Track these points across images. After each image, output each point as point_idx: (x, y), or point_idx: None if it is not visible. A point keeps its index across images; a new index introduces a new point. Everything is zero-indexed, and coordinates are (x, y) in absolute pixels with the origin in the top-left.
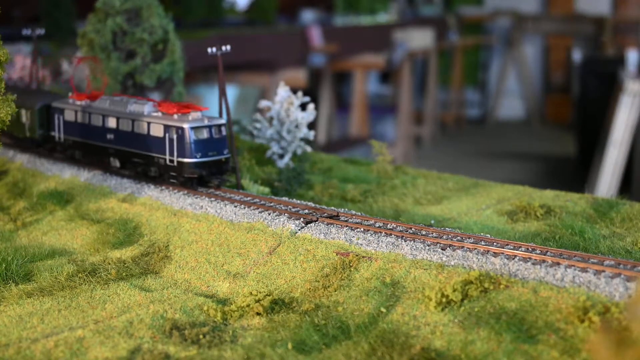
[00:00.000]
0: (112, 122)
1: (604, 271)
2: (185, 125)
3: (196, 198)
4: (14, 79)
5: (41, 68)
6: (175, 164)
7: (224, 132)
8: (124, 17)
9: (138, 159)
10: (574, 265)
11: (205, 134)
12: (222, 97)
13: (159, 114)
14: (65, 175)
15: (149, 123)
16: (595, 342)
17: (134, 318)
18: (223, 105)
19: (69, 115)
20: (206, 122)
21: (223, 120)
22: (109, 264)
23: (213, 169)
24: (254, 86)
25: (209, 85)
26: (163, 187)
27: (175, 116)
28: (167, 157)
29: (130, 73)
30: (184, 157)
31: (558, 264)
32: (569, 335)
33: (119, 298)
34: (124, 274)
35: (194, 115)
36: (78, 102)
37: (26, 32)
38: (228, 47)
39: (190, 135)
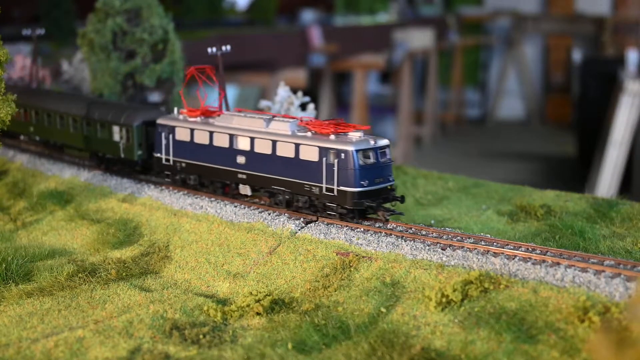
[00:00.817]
0: (243, 143)
1: (604, 271)
2: (350, 148)
3: (196, 198)
4: (13, 79)
5: (41, 68)
6: (334, 193)
7: (389, 155)
8: (124, 17)
9: (280, 187)
10: (574, 265)
11: (371, 158)
12: (222, 97)
13: (309, 133)
14: (65, 175)
15: (297, 144)
16: (595, 342)
17: (134, 318)
18: (223, 105)
19: (182, 134)
20: (372, 144)
21: (387, 141)
22: (109, 264)
23: (379, 198)
24: (254, 86)
25: (209, 86)
26: (163, 187)
27: (333, 136)
28: (324, 185)
29: (130, 73)
30: (348, 185)
31: (558, 264)
32: (569, 335)
33: (119, 298)
34: (124, 274)
35: (355, 135)
36: (191, 119)
37: (26, 32)
38: (228, 47)
39: (355, 160)
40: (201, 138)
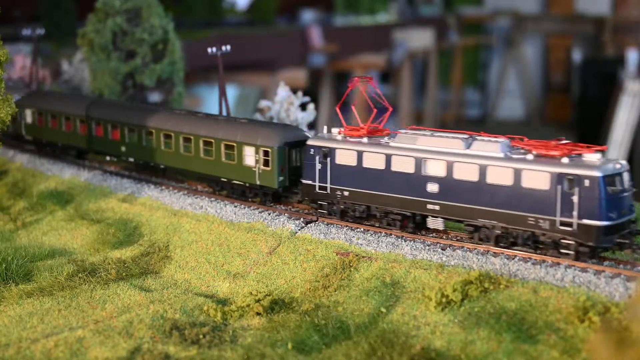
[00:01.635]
0: (436, 168)
1: (604, 271)
2: (596, 174)
3: (196, 198)
4: (14, 79)
5: (41, 68)
6: (573, 228)
7: (630, 180)
8: (124, 17)
9: (489, 220)
10: (574, 265)
11: (618, 185)
12: (222, 97)
13: (530, 155)
14: (65, 175)
15: (517, 170)
16: (595, 342)
17: (134, 318)
18: (223, 105)
19: (344, 157)
20: (617, 168)
21: (626, 164)
22: (109, 264)
23: (623, 233)
24: (254, 86)
25: (209, 85)
26: (163, 187)
27: (566, 159)
28: (558, 218)
29: (130, 73)
30: (593, 218)
31: (558, 264)
32: (569, 335)
33: (119, 298)
34: (124, 274)
35: (593, 157)
36: (355, 139)
37: (26, 32)
38: (228, 47)
39: (602, 188)
40: (373, 162)
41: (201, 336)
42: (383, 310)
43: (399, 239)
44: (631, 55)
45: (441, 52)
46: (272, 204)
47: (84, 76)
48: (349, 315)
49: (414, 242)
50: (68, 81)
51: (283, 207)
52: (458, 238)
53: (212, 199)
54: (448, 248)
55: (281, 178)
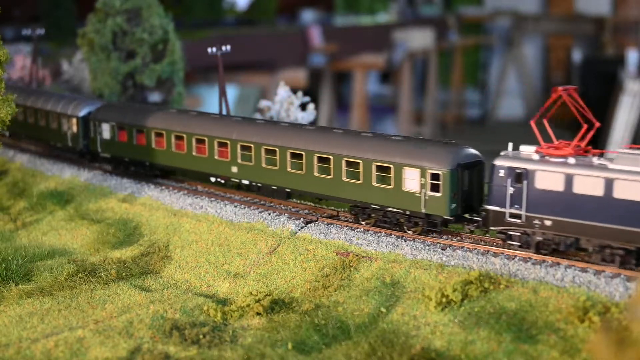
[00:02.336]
0: None
1: (604, 271)
2: None
3: (196, 198)
4: (13, 80)
5: (41, 68)
6: None
7: None
8: (124, 17)
9: None
10: (574, 265)
11: None
12: (222, 97)
13: None
14: (65, 175)
15: None
16: (595, 342)
17: (134, 318)
18: (223, 105)
19: (547, 181)
20: None
21: None
22: (109, 264)
23: None
24: (254, 86)
25: (209, 85)
26: (163, 187)
27: None
28: None
29: (130, 73)
30: None
31: (558, 264)
32: (569, 335)
33: (119, 298)
34: (124, 274)
35: None
36: (557, 159)
37: (26, 32)
38: (228, 47)
39: None
40: (588, 187)
41: (201, 336)
42: (383, 310)
43: (399, 239)
44: (631, 55)
45: (441, 52)
46: (434, 234)
47: (84, 76)
48: (349, 315)
49: (414, 242)
50: (68, 81)
51: (283, 207)
52: (458, 238)
53: (212, 199)
54: (448, 248)
55: (453, 205)
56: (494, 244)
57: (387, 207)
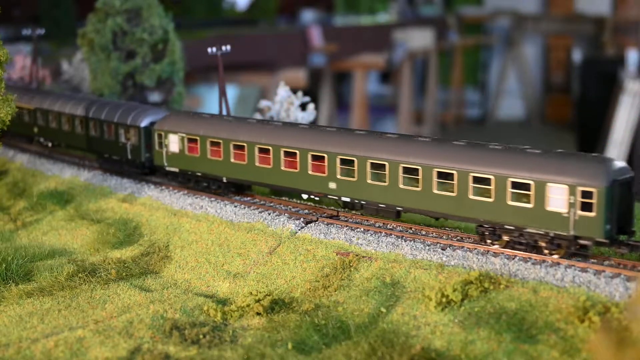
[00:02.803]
0: None
1: (604, 271)
2: None
3: (196, 198)
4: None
5: (41, 68)
6: None
7: None
8: (124, 17)
9: None
10: (574, 265)
11: None
12: (222, 97)
13: None
14: (65, 175)
15: None
16: (595, 342)
17: (134, 318)
18: (223, 105)
19: None
20: None
21: None
22: (109, 264)
23: None
24: (254, 86)
25: (209, 85)
26: (163, 187)
27: None
28: None
29: (130, 73)
30: None
31: (558, 264)
32: (569, 335)
33: (119, 298)
34: (124, 274)
35: None
36: None
37: (26, 32)
38: (228, 47)
39: None
40: None
41: (201, 336)
42: (383, 310)
43: (399, 239)
44: (631, 55)
45: (441, 52)
46: (579, 258)
47: (84, 76)
48: (349, 315)
49: (414, 242)
50: (68, 81)
51: (283, 207)
52: (458, 238)
53: (212, 198)
54: (448, 248)
55: (608, 226)
56: (494, 244)
57: (525, 227)
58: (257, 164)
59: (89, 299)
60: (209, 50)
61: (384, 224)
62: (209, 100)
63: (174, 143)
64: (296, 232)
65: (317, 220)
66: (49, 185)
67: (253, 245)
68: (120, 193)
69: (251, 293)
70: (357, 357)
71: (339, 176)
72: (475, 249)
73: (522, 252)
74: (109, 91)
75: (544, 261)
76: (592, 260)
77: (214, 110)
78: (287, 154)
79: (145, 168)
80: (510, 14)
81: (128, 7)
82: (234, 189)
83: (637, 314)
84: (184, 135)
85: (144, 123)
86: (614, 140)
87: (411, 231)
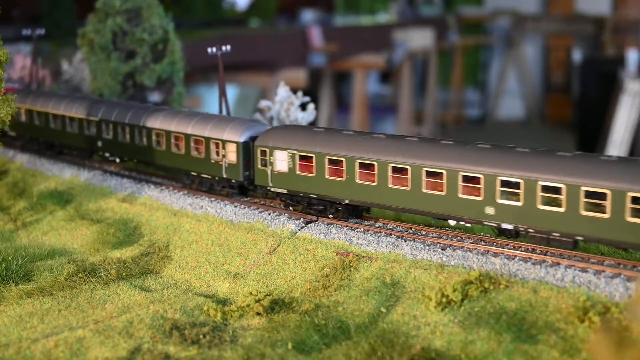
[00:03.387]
0: None
1: (604, 271)
2: None
3: (196, 198)
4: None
5: (41, 68)
6: None
7: None
8: (124, 17)
9: None
10: (574, 265)
11: None
12: (222, 97)
13: None
14: (65, 175)
15: None
16: (595, 342)
17: (134, 318)
18: (223, 105)
19: None
20: None
21: None
22: (109, 264)
23: None
24: (254, 86)
25: (209, 85)
26: (163, 187)
27: None
28: None
29: (130, 73)
30: None
31: (558, 264)
32: (569, 335)
33: (119, 298)
34: (124, 274)
35: None
36: None
37: (26, 32)
38: (228, 47)
39: None
40: None
41: (201, 336)
42: (383, 310)
43: (399, 239)
44: (631, 55)
45: (441, 52)
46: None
47: (84, 76)
48: (349, 315)
49: (414, 242)
50: (68, 81)
51: (283, 207)
52: (458, 238)
53: (212, 198)
54: (448, 248)
55: None
56: (494, 244)
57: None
58: (390, 185)
59: (89, 299)
60: (209, 50)
61: (384, 224)
62: (209, 100)
63: (281, 161)
64: (296, 232)
65: (317, 220)
66: (49, 185)
67: (253, 245)
68: (120, 193)
69: (251, 293)
70: (357, 357)
71: (499, 200)
72: (475, 249)
73: (521, 252)
74: (108, 91)
75: (544, 261)
76: (592, 260)
77: (214, 110)
78: (429, 174)
79: (244, 188)
80: (510, 14)
81: (128, 7)
82: (353, 212)
83: (637, 314)
84: (294, 152)
85: (243, 138)
86: (614, 140)
87: (411, 231)
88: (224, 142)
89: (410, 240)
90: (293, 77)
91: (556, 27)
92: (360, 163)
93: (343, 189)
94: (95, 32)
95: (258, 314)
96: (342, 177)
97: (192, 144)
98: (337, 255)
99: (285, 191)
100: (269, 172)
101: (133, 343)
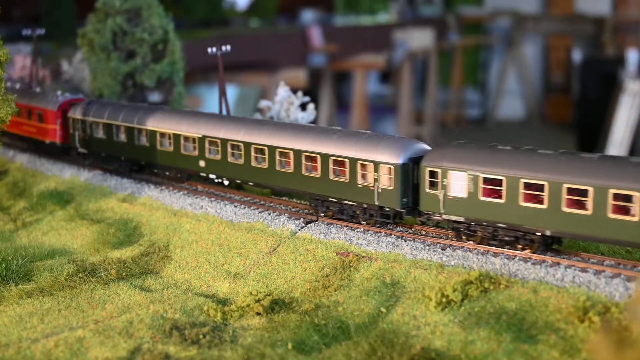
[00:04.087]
0: None
1: (604, 271)
2: None
3: (196, 198)
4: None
5: (41, 68)
6: None
7: None
8: (124, 17)
9: None
10: (573, 265)
11: None
12: (222, 97)
13: None
14: (65, 175)
15: None
16: (595, 342)
17: (134, 318)
18: (223, 105)
19: None
20: None
21: None
22: (109, 264)
23: None
24: (254, 86)
25: (209, 85)
26: (163, 187)
27: None
28: None
29: (130, 73)
30: None
31: (558, 264)
32: (569, 335)
33: (119, 298)
34: (124, 274)
35: None
36: None
37: (26, 32)
38: (228, 47)
39: None
40: None
41: (201, 336)
42: (383, 310)
43: (399, 239)
44: (631, 55)
45: (441, 52)
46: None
47: (84, 76)
48: (349, 315)
49: (414, 242)
50: (68, 81)
51: (283, 207)
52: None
53: (212, 199)
54: (448, 248)
55: None
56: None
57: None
58: (609, 215)
59: (89, 299)
60: (209, 50)
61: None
62: (209, 101)
63: (458, 185)
64: (296, 232)
65: (317, 220)
66: (49, 185)
67: (253, 245)
68: (120, 193)
69: (251, 293)
70: (357, 357)
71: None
72: (475, 249)
73: (521, 252)
74: (108, 91)
75: (544, 261)
76: (592, 260)
77: (214, 109)
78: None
79: (402, 217)
80: (510, 14)
81: (128, 7)
82: (546, 245)
83: (637, 314)
84: (476, 174)
85: (402, 159)
86: (614, 140)
87: (411, 231)
88: (376, 164)
89: (410, 240)
90: (293, 77)
91: (556, 27)
92: (568, 189)
93: (543, 217)
94: (95, 32)
95: (258, 314)
96: (544, 204)
97: (332, 166)
98: (337, 255)
99: (462, 219)
100: (440, 197)
101: (133, 343)
